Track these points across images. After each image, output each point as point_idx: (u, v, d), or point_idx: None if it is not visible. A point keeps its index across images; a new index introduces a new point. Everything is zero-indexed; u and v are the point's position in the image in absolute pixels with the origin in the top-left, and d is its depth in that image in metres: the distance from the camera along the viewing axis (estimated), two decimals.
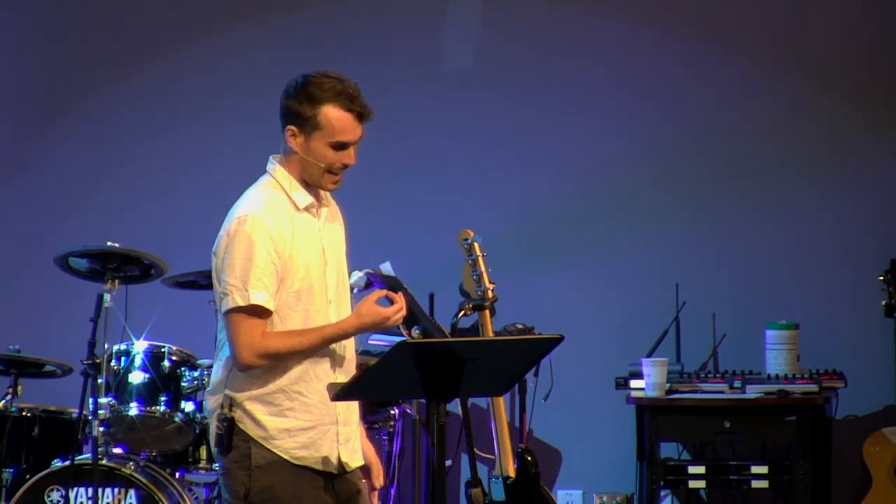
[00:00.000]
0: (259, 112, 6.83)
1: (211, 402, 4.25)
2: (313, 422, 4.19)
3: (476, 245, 5.81)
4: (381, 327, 4.22)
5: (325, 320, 4.21)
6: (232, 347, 4.14)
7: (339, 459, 4.23)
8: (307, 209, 4.25)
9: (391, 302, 4.21)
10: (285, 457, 4.17)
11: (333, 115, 4.16)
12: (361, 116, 4.19)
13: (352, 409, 4.29)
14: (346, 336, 4.20)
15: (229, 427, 4.14)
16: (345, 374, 4.23)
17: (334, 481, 4.23)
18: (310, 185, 4.25)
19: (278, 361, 4.14)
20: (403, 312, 4.21)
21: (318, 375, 4.19)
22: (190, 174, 7.23)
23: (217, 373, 4.24)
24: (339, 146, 4.18)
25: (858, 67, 7.05)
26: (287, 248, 4.16)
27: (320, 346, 4.17)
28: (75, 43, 7.37)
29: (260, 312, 4.12)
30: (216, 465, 5.99)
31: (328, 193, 4.32)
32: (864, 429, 6.61)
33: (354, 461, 4.28)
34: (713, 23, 7.12)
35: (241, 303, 4.11)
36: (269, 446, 4.16)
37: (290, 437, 4.17)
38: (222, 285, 4.14)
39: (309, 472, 4.19)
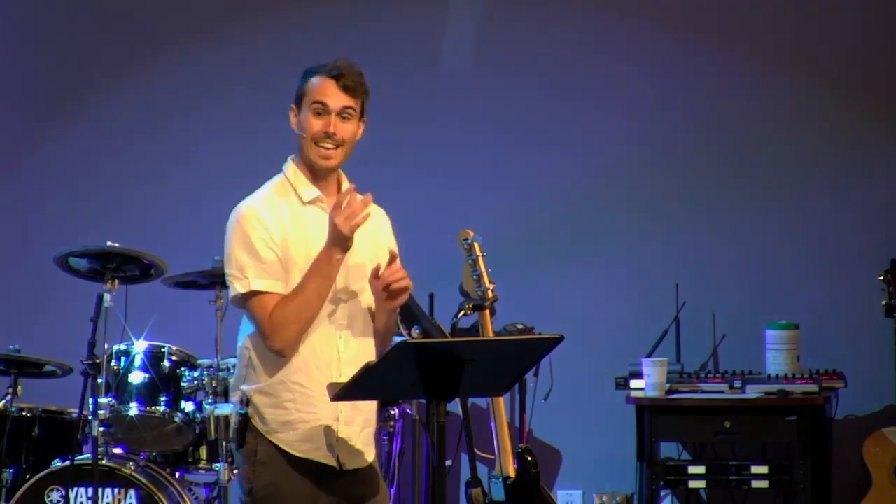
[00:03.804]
0: (259, 112, 6.89)
1: (234, 399, 4.29)
2: (315, 414, 4.17)
3: (476, 245, 5.81)
4: (346, 229, 4.10)
5: (334, 315, 4.19)
6: (261, 336, 4.16)
7: (338, 458, 4.21)
8: (313, 202, 4.26)
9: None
10: (288, 450, 4.16)
11: (314, 80, 4.25)
12: (338, 79, 4.22)
13: (358, 410, 4.25)
14: (334, 257, 4.11)
15: (244, 423, 4.16)
16: (352, 367, 4.11)
17: (338, 479, 4.21)
18: (319, 178, 4.26)
19: (304, 329, 4.12)
20: (352, 209, 4.10)
21: (320, 367, 4.18)
22: (190, 174, 7.22)
23: (236, 371, 4.29)
24: (320, 109, 4.21)
25: (860, 68, 7.04)
26: (282, 240, 4.18)
27: (326, 284, 4.13)
28: (75, 42, 7.36)
29: (267, 296, 4.13)
30: (217, 465, 6.06)
31: (355, 194, 4.18)
32: (864, 429, 6.61)
33: (353, 462, 4.24)
34: (715, 22, 7.12)
35: (242, 290, 4.14)
36: (272, 440, 4.16)
37: (292, 429, 4.17)
38: (227, 277, 4.20)
39: (311, 465, 4.18)
